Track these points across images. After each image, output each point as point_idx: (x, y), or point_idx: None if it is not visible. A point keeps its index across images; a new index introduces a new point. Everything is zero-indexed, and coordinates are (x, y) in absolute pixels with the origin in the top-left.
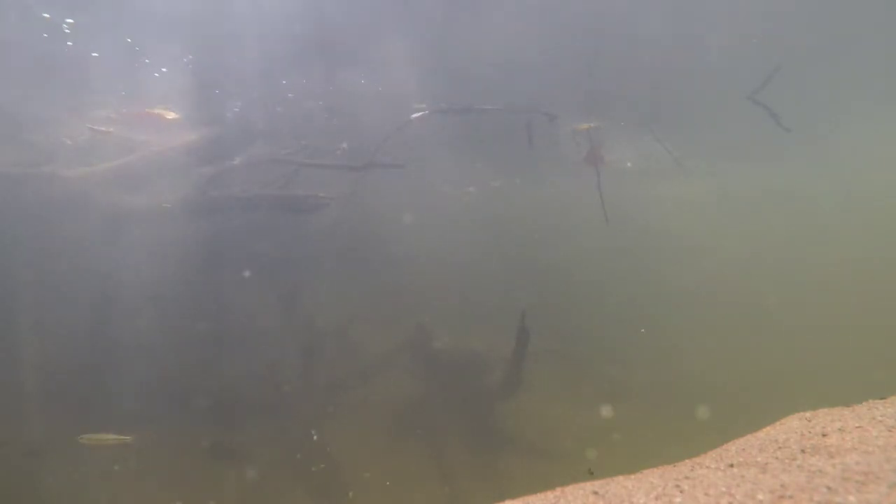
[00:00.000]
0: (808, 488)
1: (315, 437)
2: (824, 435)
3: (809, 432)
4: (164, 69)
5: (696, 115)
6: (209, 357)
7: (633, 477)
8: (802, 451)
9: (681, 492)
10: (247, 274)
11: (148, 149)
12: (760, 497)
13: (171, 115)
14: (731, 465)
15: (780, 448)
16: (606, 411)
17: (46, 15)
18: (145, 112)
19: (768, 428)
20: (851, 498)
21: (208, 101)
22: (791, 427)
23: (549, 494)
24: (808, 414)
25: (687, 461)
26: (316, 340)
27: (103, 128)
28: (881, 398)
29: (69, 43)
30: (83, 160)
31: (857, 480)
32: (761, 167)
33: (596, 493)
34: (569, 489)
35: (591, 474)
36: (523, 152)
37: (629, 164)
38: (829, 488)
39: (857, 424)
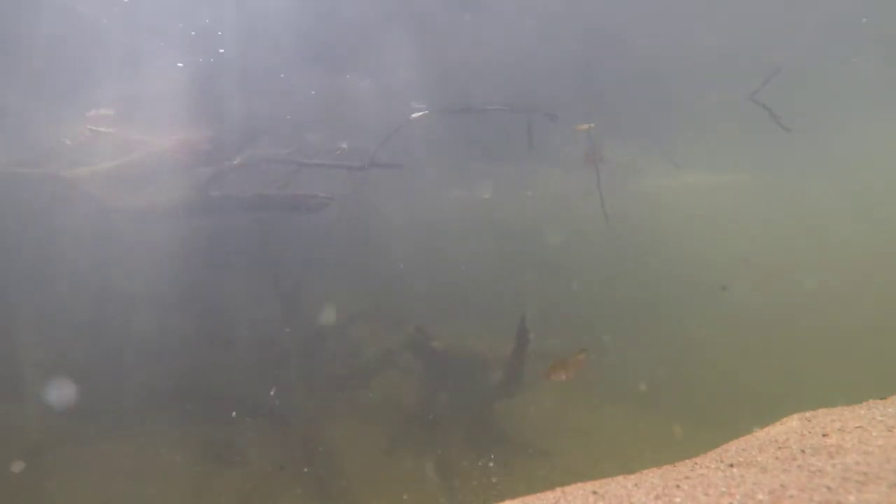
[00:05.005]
0: (808, 488)
1: (313, 433)
2: (824, 435)
3: (809, 432)
4: (162, 69)
5: (695, 115)
6: (209, 356)
7: (633, 477)
8: (802, 451)
9: (681, 492)
10: (246, 274)
11: (148, 149)
12: (760, 497)
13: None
14: (731, 465)
15: (780, 448)
16: (607, 411)
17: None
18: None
19: (768, 428)
20: (851, 498)
21: (207, 101)
22: (791, 427)
23: (549, 494)
24: (808, 414)
25: (687, 461)
26: (316, 340)
27: (103, 128)
28: (881, 398)
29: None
30: (83, 160)
31: (857, 480)
32: (761, 167)
33: (596, 493)
34: (569, 489)
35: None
36: (524, 152)
37: (628, 165)
38: (829, 488)
39: (857, 424)
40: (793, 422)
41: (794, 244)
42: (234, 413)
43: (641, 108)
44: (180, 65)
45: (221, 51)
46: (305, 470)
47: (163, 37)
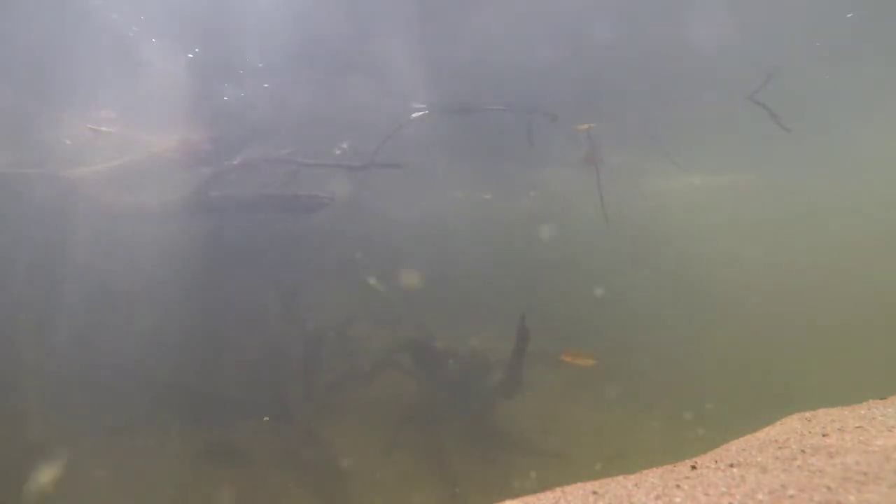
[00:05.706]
0: (808, 488)
1: (316, 434)
2: (824, 435)
3: (809, 432)
4: (162, 69)
5: (694, 116)
6: (209, 356)
7: (633, 477)
8: (802, 451)
9: (681, 492)
10: (246, 274)
11: (148, 149)
12: (760, 497)
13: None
14: (731, 465)
15: (780, 448)
16: (607, 411)
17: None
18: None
19: (768, 428)
20: (851, 498)
21: (208, 101)
22: (791, 427)
23: (549, 494)
24: (808, 414)
25: (687, 461)
26: (315, 339)
27: (103, 128)
28: (881, 398)
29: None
30: (83, 160)
31: (857, 480)
32: (761, 167)
33: (596, 493)
34: (569, 489)
35: None
36: (525, 153)
37: (628, 165)
38: (829, 488)
39: (857, 424)
40: (793, 422)
41: (794, 244)
42: (266, 418)
43: (642, 108)
44: (226, 98)
45: (244, 71)
46: (305, 470)
47: (163, 36)
